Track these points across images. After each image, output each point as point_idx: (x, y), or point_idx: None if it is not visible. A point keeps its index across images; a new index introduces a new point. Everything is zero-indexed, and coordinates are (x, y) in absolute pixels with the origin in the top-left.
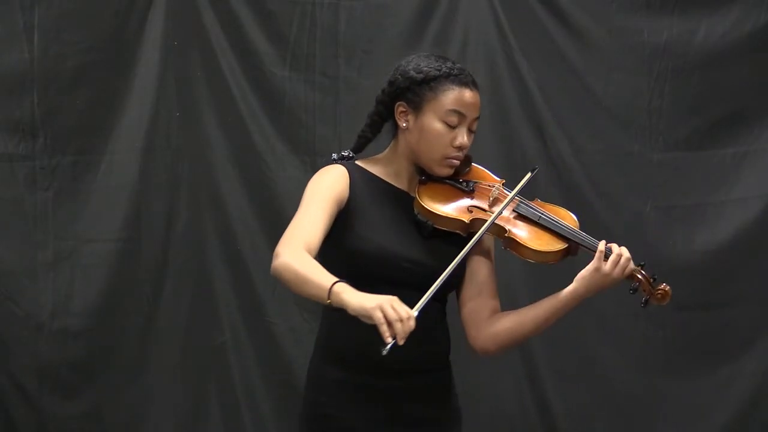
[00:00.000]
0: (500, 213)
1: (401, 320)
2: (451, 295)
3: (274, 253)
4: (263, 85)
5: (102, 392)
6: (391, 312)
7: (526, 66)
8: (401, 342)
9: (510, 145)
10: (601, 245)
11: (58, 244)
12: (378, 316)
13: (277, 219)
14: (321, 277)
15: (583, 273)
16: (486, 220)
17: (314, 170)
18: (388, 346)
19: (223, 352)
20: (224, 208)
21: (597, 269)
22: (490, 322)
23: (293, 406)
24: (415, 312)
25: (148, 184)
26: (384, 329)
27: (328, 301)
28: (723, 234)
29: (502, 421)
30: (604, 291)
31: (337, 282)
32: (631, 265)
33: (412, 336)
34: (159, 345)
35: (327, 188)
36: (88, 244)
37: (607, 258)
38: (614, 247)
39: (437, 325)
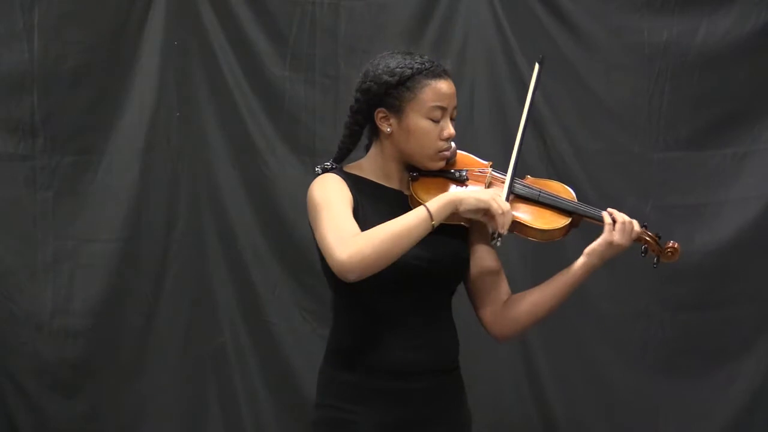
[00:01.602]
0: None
1: (507, 212)
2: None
3: (338, 259)
4: (263, 85)
5: (102, 392)
6: (502, 204)
7: (526, 66)
8: (505, 232)
9: (510, 145)
10: (607, 217)
11: (58, 244)
12: (495, 206)
13: (277, 219)
14: (409, 217)
15: (594, 247)
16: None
17: (314, 170)
18: (501, 237)
19: (223, 352)
20: (224, 208)
21: (609, 242)
22: (507, 308)
23: (293, 406)
24: (509, 207)
25: (148, 184)
26: (500, 219)
27: (433, 222)
28: (723, 234)
29: (501, 421)
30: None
31: (427, 203)
32: (637, 227)
33: (421, 337)
34: (159, 345)
35: (337, 192)
36: (88, 244)
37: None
38: (618, 215)
39: (446, 324)
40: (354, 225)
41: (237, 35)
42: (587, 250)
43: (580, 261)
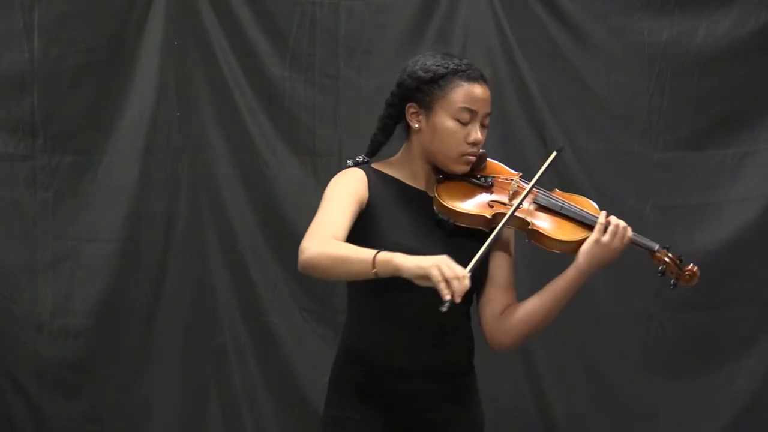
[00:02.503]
0: (530, 189)
1: (457, 278)
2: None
3: (300, 249)
4: (263, 85)
5: (102, 392)
6: (447, 270)
7: (526, 66)
8: (458, 300)
9: (510, 145)
10: (601, 217)
11: (58, 244)
12: (436, 274)
13: (277, 219)
14: (361, 252)
15: (584, 247)
16: (507, 214)
17: (314, 170)
18: (447, 304)
19: (223, 352)
20: (224, 208)
21: (597, 241)
22: (504, 317)
23: (293, 406)
24: (468, 272)
25: (148, 184)
26: (442, 287)
27: (374, 270)
28: (723, 234)
29: (502, 421)
30: (610, 263)
31: (379, 251)
32: (629, 233)
33: (434, 339)
34: (159, 345)
35: (347, 188)
36: (88, 244)
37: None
38: (612, 218)
39: (460, 327)
40: (339, 228)
41: (237, 35)
42: (578, 252)
43: (572, 265)
